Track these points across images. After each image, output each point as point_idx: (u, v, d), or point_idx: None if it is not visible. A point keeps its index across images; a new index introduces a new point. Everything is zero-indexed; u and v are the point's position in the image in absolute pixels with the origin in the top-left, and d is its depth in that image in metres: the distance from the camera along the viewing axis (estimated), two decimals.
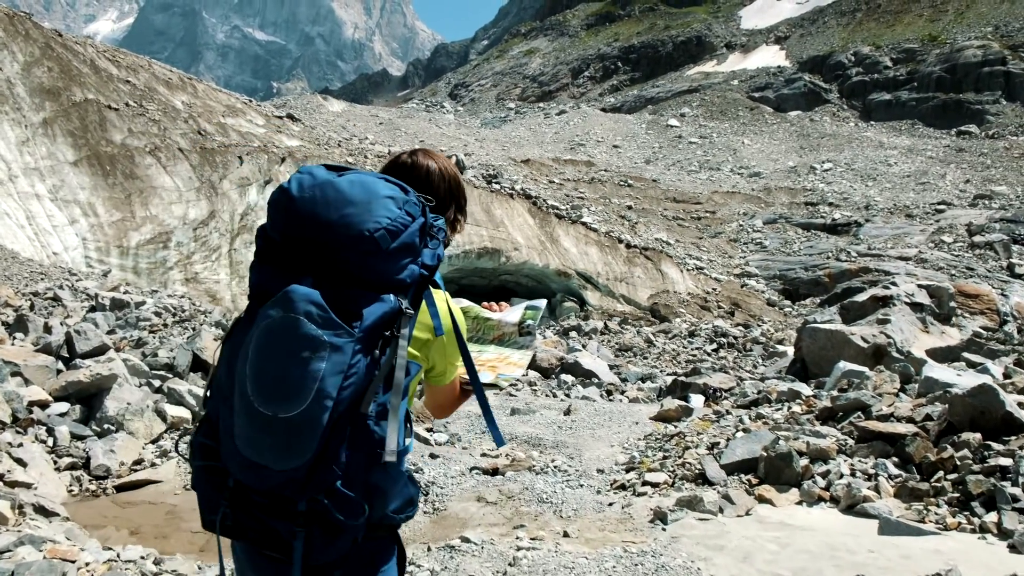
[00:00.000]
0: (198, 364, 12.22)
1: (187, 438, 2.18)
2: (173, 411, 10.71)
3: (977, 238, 33.88)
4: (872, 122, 62.66)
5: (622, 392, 14.84)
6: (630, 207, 38.85)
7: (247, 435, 1.77)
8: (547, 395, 13.61)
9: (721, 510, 6.20)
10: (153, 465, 8.43)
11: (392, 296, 1.84)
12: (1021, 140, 54.98)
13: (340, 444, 1.75)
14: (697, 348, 21.16)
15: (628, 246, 28.91)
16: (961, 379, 8.93)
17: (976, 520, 5.42)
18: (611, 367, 17.05)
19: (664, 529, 5.95)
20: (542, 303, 2.53)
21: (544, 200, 29.88)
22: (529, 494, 7.04)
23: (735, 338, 22.23)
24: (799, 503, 6.36)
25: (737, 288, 30.21)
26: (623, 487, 7.26)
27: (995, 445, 6.14)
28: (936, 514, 5.66)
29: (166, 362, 12.00)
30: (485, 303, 2.50)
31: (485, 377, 2.28)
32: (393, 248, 1.85)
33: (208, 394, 1.95)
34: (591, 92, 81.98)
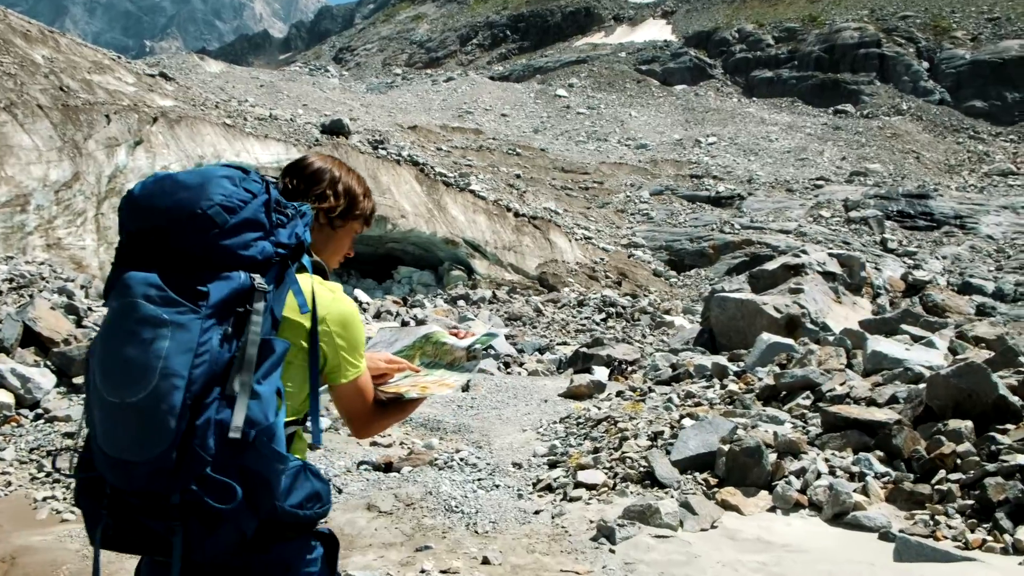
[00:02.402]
0: (30, 338, 10.33)
1: (65, 454, 2.03)
2: None
3: (853, 213, 34.80)
4: (754, 98, 63.39)
5: (520, 364, 13.66)
6: (518, 176, 38.02)
7: (104, 429, 1.72)
8: None
9: (681, 523, 4.92)
10: None
11: (242, 273, 1.78)
12: (894, 120, 56.59)
13: (206, 428, 1.67)
14: (586, 318, 20.96)
15: (516, 215, 28.45)
16: (911, 354, 7.99)
17: (1007, 537, 4.29)
18: (506, 337, 15.86)
19: (612, 551, 4.61)
20: (500, 332, 2.55)
21: (431, 167, 28.83)
22: (433, 500, 5.59)
23: (623, 308, 22.05)
24: (771, 510, 5.14)
25: (624, 258, 30.17)
26: (550, 488, 5.89)
27: (1001, 438, 5.06)
28: (950, 527, 4.53)
29: None
30: (451, 330, 2.52)
31: (411, 394, 2.24)
32: (233, 224, 1.80)
33: (86, 406, 1.86)
34: (479, 60, 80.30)
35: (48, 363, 9.89)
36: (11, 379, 9.04)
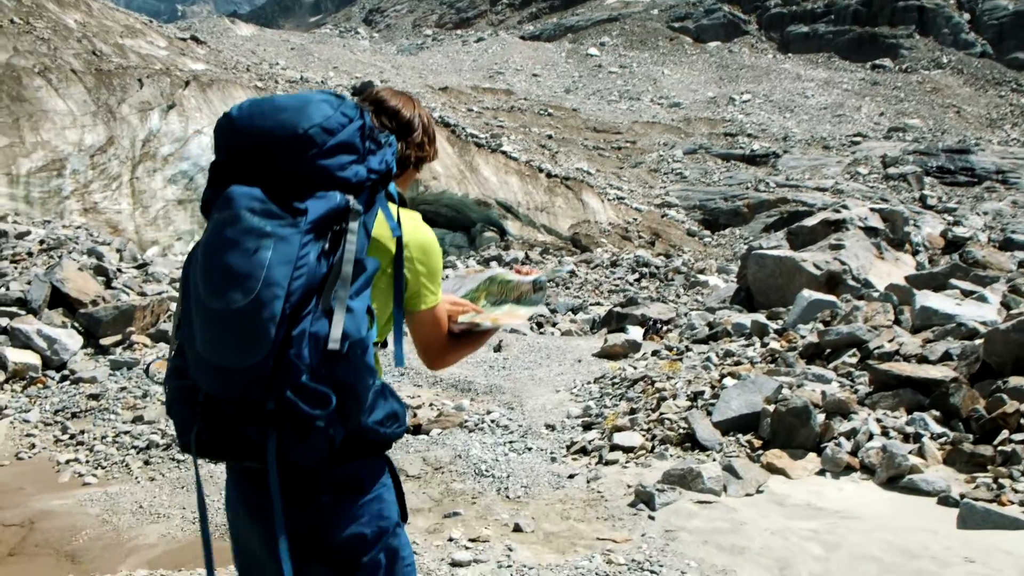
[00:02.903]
0: (58, 299, 10.26)
1: (155, 360, 2.23)
2: (16, 356, 8.80)
3: (891, 170, 34.27)
4: (790, 54, 62.05)
5: (553, 324, 13.44)
6: (550, 136, 37.60)
7: (205, 336, 1.79)
8: None
9: (725, 488, 4.63)
10: None
11: (337, 193, 1.86)
12: (933, 74, 55.29)
13: (301, 339, 1.74)
14: (619, 278, 20.68)
15: (548, 175, 28.27)
16: (962, 309, 7.61)
17: None
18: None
19: (652, 517, 4.34)
20: (564, 268, 2.72)
21: (463, 128, 28.68)
22: (463, 463, 5.36)
23: (657, 268, 21.77)
24: (820, 473, 4.84)
25: (657, 218, 29.94)
26: (584, 451, 5.62)
27: None
28: (1015, 491, 4.21)
29: (18, 296, 10.03)
30: (516, 267, 2.56)
31: (485, 324, 2.29)
32: (331, 145, 1.87)
33: (178, 321, 1.93)
34: (510, 20, 79.18)
35: (75, 324, 9.81)
36: (37, 340, 8.95)
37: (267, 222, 1.77)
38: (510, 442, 5.91)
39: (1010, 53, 55.91)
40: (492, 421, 6.56)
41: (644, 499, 4.53)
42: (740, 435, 5.39)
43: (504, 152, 28.03)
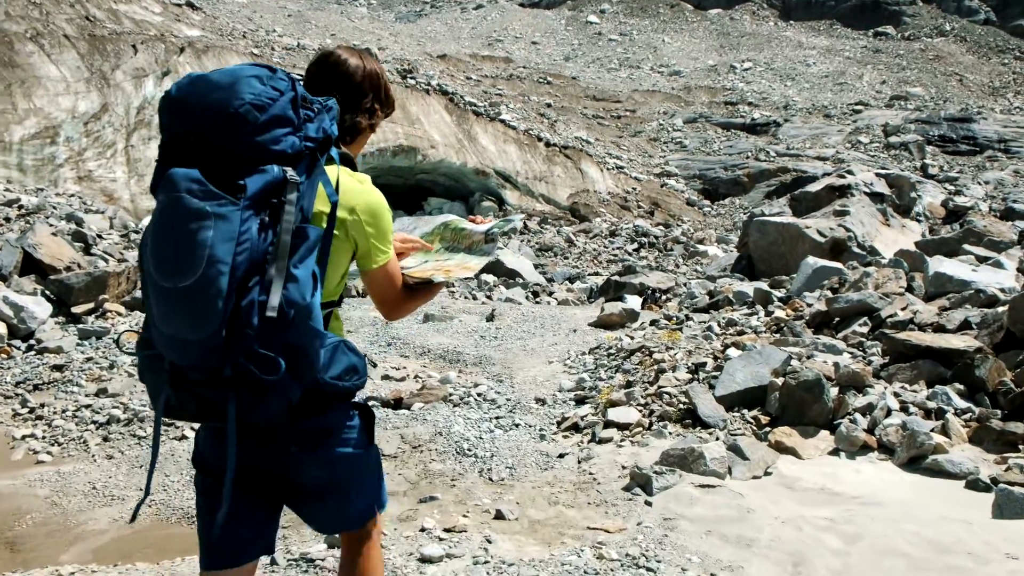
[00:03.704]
0: (30, 265, 9.86)
1: (125, 331, 2.67)
2: None
3: (893, 139, 33.83)
4: (791, 21, 61.23)
5: (549, 294, 13.07)
6: (549, 105, 37.05)
7: (160, 312, 1.88)
8: (466, 297, 11.65)
9: (730, 470, 4.21)
10: None
11: (275, 167, 1.91)
12: (936, 42, 54.60)
13: (250, 309, 1.83)
14: (618, 248, 20.71)
15: (547, 144, 27.95)
16: (979, 275, 7.18)
17: None
18: (535, 266, 15.30)
19: (649, 503, 3.92)
20: (516, 218, 2.74)
21: (461, 97, 28.25)
22: (444, 441, 4.93)
23: (656, 238, 21.80)
24: (834, 452, 4.42)
25: (657, 188, 29.63)
26: (576, 428, 5.19)
27: None
28: None
29: None
30: (470, 217, 2.65)
31: (437, 278, 2.36)
32: (263, 121, 1.93)
33: (143, 292, 2.00)
34: None
35: (46, 291, 9.41)
36: (3, 307, 8.52)
37: (206, 203, 1.81)
38: (496, 418, 5.47)
39: (1014, 20, 55.14)
40: (479, 395, 6.14)
41: (640, 482, 4.10)
42: (746, 411, 4.95)
43: (503, 121, 27.62)
